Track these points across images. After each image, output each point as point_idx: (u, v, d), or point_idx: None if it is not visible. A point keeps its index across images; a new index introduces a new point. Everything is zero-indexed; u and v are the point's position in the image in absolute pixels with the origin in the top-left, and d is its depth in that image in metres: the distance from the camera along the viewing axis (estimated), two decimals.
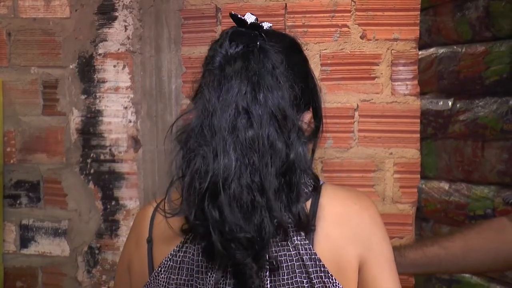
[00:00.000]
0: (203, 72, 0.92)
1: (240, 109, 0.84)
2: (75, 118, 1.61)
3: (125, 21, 1.57)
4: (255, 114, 0.84)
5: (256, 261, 0.83)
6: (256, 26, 0.90)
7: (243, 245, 0.82)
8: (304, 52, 1.03)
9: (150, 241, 0.95)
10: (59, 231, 1.62)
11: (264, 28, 0.91)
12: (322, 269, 0.85)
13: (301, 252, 0.85)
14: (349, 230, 0.88)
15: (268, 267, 0.84)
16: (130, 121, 1.58)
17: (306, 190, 0.90)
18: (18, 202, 1.65)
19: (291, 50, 0.98)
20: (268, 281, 0.84)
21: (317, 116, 1.03)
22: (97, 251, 1.60)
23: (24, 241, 1.64)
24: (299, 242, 0.85)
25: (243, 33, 0.89)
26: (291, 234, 0.86)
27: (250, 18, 0.90)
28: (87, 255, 1.61)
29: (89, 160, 1.60)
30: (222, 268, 0.85)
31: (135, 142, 1.58)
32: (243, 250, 0.82)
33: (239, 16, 0.91)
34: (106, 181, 1.60)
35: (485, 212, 1.76)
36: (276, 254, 0.85)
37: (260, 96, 0.85)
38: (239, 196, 0.82)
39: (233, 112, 0.84)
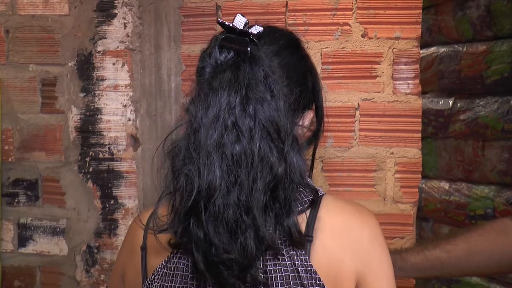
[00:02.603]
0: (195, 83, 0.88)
1: (228, 123, 0.80)
2: (74, 116, 1.60)
3: (124, 18, 1.56)
4: (244, 128, 0.80)
5: (243, 280, 0.80)
6: (245, 33, 0.85)
7: (227, 266, 0.79)
8: (304, 48, 0.99)
9: (144, 248, 0.93)
10: (58, 230, 1.61)
11: (254, 33, 0.85)
12: (318, 282, 0.81)
13: (296, 263, 0.82)
14: (348, 243, 0.85)
15: (260, 282, 0.81)
16: (129, 119, 1.57)
17: (304, 200, 0.87)
18: (16, 200, 1.63)
19: (287, 51, 0.93)
20: None
21: (318, 116, 1.00)
22: (95, 250, 1.59)
23: (22, 240, 1.63)
24: (294, 253, 0.83)
25: (233, 40, 0.84)
26: (285, 247, 0.83)
27: (240, 23, 0.85)
28: (85, 254, 1.60)
29: (87, 159, 1.59)
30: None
31: (134, 140, 1.57)
32: (227, 271, 0.79)
33: (226, 23, 0.86)
34: (105, 180, 1.59)
35: (485, 212, 1.75)
36: (269, 264, 0.82)
37: (250, 109, 0.81)
38: (223, 215, 0.79)
39: (221, 128, 0.80)
